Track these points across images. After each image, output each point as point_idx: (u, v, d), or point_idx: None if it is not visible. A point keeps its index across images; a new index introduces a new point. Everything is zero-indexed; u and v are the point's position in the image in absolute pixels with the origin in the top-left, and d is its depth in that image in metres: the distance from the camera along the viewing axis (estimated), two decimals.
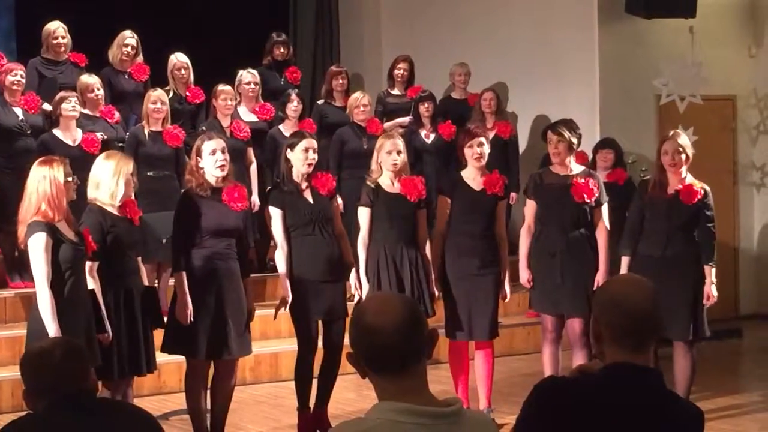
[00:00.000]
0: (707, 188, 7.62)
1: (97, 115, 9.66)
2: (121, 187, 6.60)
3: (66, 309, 6.03)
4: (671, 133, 7.82)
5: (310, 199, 7.33)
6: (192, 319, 6.78)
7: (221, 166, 6.91)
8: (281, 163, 7.40)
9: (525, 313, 10.15)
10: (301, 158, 7.29)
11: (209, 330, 6.81)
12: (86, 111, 9.49)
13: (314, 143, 7.40)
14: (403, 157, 7.66)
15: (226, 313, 6.85)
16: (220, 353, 6.90)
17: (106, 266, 6.54)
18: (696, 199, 7.53)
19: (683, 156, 7.53)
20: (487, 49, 12.07)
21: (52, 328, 5.91)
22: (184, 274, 6.84)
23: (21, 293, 9.03)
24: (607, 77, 11.29)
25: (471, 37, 12.28)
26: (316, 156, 7.40)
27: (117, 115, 9.87)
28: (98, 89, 9.66)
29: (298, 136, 7.49)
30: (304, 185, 7.34)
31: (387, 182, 7.63)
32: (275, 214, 7.34)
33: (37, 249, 5.99)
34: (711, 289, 7.54)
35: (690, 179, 7.60)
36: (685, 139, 7.65)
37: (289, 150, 7.33)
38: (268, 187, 9.74)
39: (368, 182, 7.65)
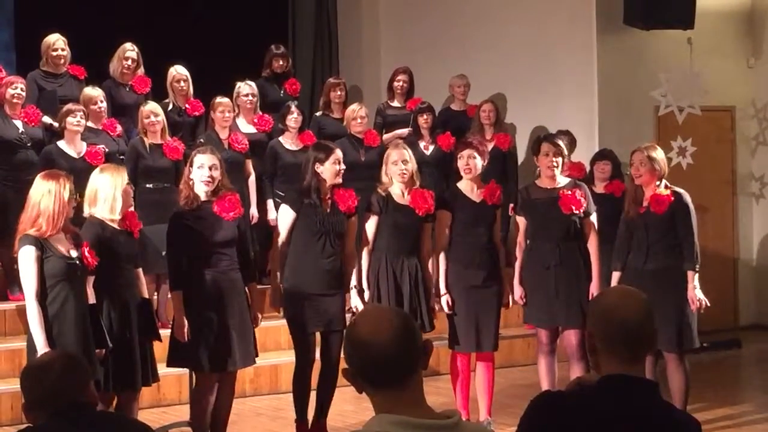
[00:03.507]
0: (680, 191, 7.59)
1: (100, 128, 9.68)
2: (119, 200, 6.60)
3: (56, 322, 6.05)
4: (645, 144, 7.85)
5: (328, 210, 7.34)
6: (194, 335, 6.79)
7: (206, 182, 6.92)
8: (308, 176, 7.33)
9: (524, 325, 10.14)
10: (332, 171, 7.29)
11: (213, 343, 6.83)
12: (89, 123, 9.52)
13: (341, 154, 7.41)
14: (411, 166, 7.65)
15: (228, 324, 6.86)
16: (224, 365, 6.91)
17: (102, 279, 6.54)
18: (666, 207, 7.51)
19: (648, 167, 7.52)
20: (486, 61, 12.09)
21: (40, 340, 5.94)
22: (181, 293, 6.86)
23: (21, 306, 8.98)
24: (606, 88, 11.31)
25: (470, 49, 12.30)
26: (344, 166, 7.42)
27: (119, 128, 9.88)
28: (101, 102, 9.69)
29: (325, 149, 7.43)
30: (327, 197, 7.36)
31: (398, 192, 7.64)
32: (287, 213, 7.35)
33: (25, 262, 6.02)
34: (695, 294, 7.50)
35: (661, 188, 7.59)
36: (658, 152, 7.64)
37: (318, 164, 7.32)
38: (268, 199, 9.80)
39: (379, 190, 7.66)
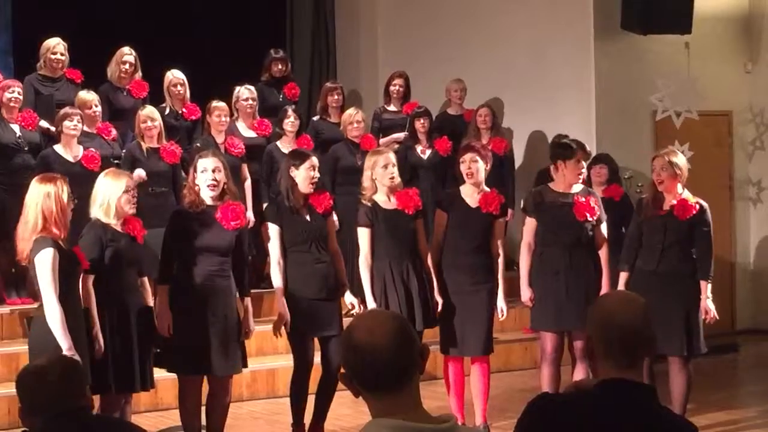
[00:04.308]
0: (704, 204, 7.62)
1: (94, 131, 9.68)
2: (113, 206, 6.62)
3: (71, 324, 6.06)
4: (666, 149, 7.87)
5: (308, 217, 7.34)
6: (175, 335, 6.81)
7: (211, 185, 6.93)
8: (283, 180, 7.38)
9: (522, 329, 10.15)
10: (305, 177, 7.30)
11: (190, 346, 6.82)
12: (84, 127, 9.52)
13: (317, 162, 7.43)
14: (397, 170, 7.67)
15: (209, 330, 6.84)
16: (200, 370, 6.92)
17: (102, 281, 6.56)
18: (690, 215, 7.53)
19: (670, 172, 7.54)
20: (483, 65, 12.10)
21: (65, 343, 5.94)
22: (167, 288, 6.87)
23: (18, 310, 9.02)
24: (603, 93, 11.31)
25: (467, 53, 12.31)
26: (318, 174, 7.44)
27: (114, 132, 9.88)
28: (96, 106, 9.68)
29: (301, 155, 7.48)
30: (302, 202, 7.36)
31: (383, 198, 7.62)
32: (273, 229, 7.34)
33: (46, 264, 6.01)
34: (707, 304, 7.53)
35: (686, 195, 7.61)
36: (679, 157, 7.65)
37: (293, 168, 7.33)
38: (266, 204, 9.76)
39: (364, 201, 7.62)
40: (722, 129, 12.16)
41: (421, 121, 10.77)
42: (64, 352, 5.81)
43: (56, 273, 6.01)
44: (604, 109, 11.31)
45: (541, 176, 9.82)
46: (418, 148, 10.71)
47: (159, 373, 7.06)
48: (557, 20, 11.61)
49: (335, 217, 7.93)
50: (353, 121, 10.31)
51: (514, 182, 10.97)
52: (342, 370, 2.84)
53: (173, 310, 6.85)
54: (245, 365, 7.18)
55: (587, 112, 11.34)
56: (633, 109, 11.36)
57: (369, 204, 7.59)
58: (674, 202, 7.56)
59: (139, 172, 9.10)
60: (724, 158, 12.17)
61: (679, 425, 3.27)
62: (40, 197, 6.15)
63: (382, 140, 10.86)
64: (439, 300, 7.64)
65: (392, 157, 7.69)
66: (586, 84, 11.37)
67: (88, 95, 9.71)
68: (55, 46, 10.12)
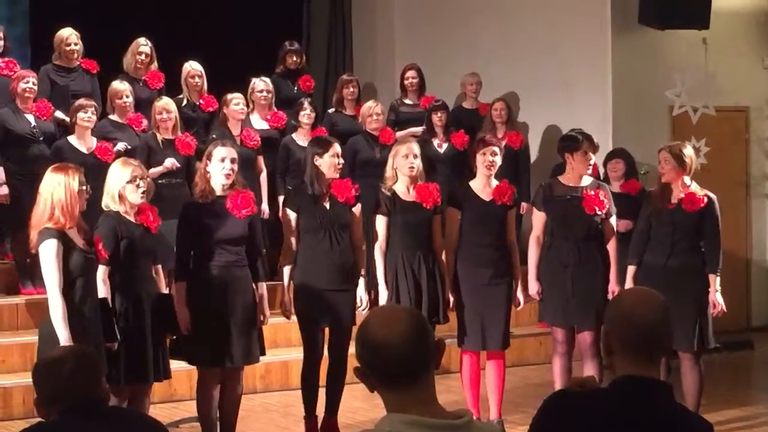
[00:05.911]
0: (712, 196, 7.60)
1: (125, 122, 9.69)
2: (117, 193, 6.62)
3: (76, 316, 6.06)
4: (671, 143, 7.87)
5: (327, 205, 7.35)
6: (194, 328, 6.79)
7: (227, 175, 6.93)
8: (307, 169, 7.39)
9: (536, 324, 10.12)
10: (330, 164, 7.32)
11: (212, 338, 6.81)
12: (114, 117, 9.55)
13: (339, 148, 7.46)
14: (419, 162, 7.66)
15: (229, 320, 6.85)
16: (222, 361, 6.90)
17: (117, 272, 6.56)
18: (699, 207, 7.51)
19: (672, 164, 7.52)
20: (499, 59, 12.07)
21: (63, 335, 5.94)
22: (184, 284, 6.86)
23: (33, 300, 9.04)
24: (620, 88, 11.28)
25: (483, 47, 12.29)
26: (342, 160, 7.46)
27: (145, 122, 9.84)
28: (127, 96, 9.68)
29: (324, 143, 7.49)
30: (325, 190, 7.36)
31: (402, 189, 7.63)
32: (291, 217, 7.38)
33: (49, 256, 6.01)
34: (716, 297, 7.52)
35: (694, 187, 7.59)
36: (686, 149, 7.63)
37: (317, 157, 7.34)
38: (288, 189, 9.74)
39: (384, 190, 7.64)
40: (739, 125, 12.11)
41: (438, 114, 10.74)
42: (62, 344, 5.82)
43: (60, 264, 6.02)
44: (620, 104, 11.28)
45: (557, 171, 9.78)
46: (435, 142, 10.68)
47: (174, 364, 7.05)
48: (574, 14, 11.58)
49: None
50: (372, 113, 10.30)
51: (529, 176, 10.95)
52: (357, 365, 2.83)
53: (193, 303, 6.83)
54: (263, 353, 7.18)
55: (604, 106, 11.31)
56: (650, 104, 11.32)
57: (388, 193, 7.60)
58: (682, 195, 7.54)
59: (173, 161, 9.14)
60: (741, 154, 12.12)
61: (694, 423, 3.26)
62: (52, 186, 6.16)
63: (398, 134, 10.83)
64: (451, 298, 7.64)
65: (415, 147, 7.69)
66: (603, 79, 11.34)
67: (120, 85, 9.73)
68: (68, 36, 10.13)
